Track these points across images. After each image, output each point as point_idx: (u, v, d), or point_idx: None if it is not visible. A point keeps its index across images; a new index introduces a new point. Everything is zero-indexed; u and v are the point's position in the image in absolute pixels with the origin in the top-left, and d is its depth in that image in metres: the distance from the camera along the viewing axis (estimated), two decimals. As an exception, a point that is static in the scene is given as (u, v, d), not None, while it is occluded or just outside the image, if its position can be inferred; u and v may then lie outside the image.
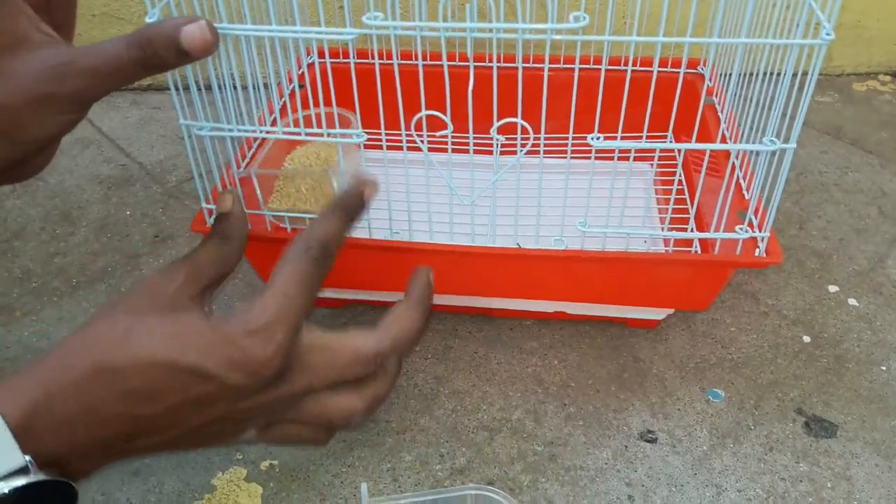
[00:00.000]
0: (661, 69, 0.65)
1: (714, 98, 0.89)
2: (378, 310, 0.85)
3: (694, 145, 0.63)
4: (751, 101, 0.71)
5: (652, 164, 0.91)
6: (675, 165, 0.90)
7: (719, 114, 0.85)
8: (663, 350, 0.80)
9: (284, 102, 0.86)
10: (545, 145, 0.64)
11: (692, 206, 0.72)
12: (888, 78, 1.29)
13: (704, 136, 0.81)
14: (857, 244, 0.94)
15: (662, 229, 0.79)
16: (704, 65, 0.94)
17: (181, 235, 0.97)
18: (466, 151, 0.65)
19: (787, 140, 0.63)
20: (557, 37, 0.57)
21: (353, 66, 0.60)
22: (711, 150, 0.71)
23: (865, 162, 1.09)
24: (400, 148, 0.65)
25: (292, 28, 0.58)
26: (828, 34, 0.56)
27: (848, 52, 1.28)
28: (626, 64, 0.62)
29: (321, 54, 0.97)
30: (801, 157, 1.10)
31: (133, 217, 1.01)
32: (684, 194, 0.84)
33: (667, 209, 0.73)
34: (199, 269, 0.48)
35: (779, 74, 0.61)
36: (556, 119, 0.64)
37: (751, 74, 0.74)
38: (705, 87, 0.89)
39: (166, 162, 1.12)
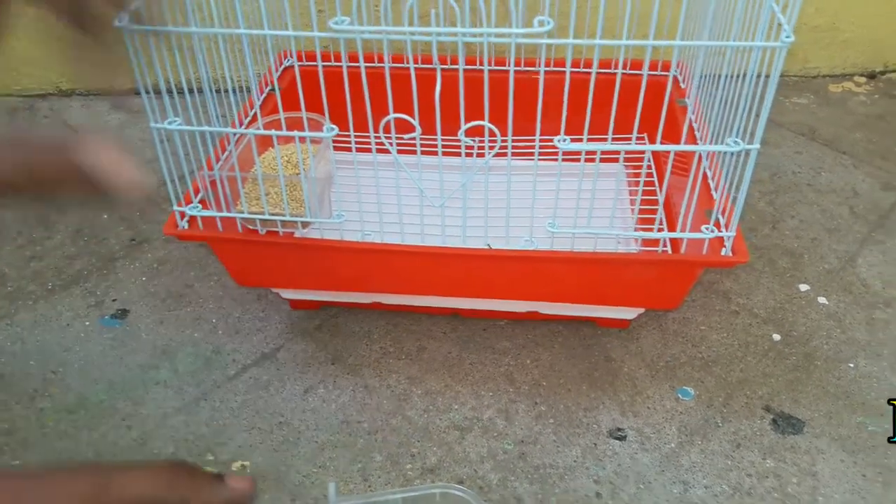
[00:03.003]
0: (634, 72, 0.65)
1: (686, 100, 0.90)
2: (351, 312, 0.86)
3: (658, 147, 0.63)
4: (725, 102, 0.72)
5: (626, 166, 0.93)
6: (652, 167, 0.91)
7: (690, 115, 0.86)
8: (635, 349, 0.81)
9: (261, 104, 0.87)
10: (516, 147, 0.65)
11: (661, 207, 0.73)
12: (863, 79, 1.31)
13: (675, 138, 0.82)
14: (828, 243, 0.95)
15: (635, 229, 0.80)
16: (678, 67, 0.94)
17: (157, 239, 0.97)
18: (436, 154, 0.66)
19: (752, 141, 0.63)
20: (522, 41, 0.57)
21: (320, 69, 0.61)
22: (684, 151, 0.72)
23: (839, 162, 1.11)
24: (370, 150, 0.66)
25: (259, 31, 0.59)
26: (787, 37, 0.57)
27: (823, 54, 1.29)
28: (588, 66, 0.63)
29: (300, 58, 0.98)
30: (775, 157, 1.11)
31: (110, 221, 1.01)
32: (657, 195, 0.85)
33: (642, 211, 0.73)
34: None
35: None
36: (531, 121, 0.65)
37: (723, 76, 0.74)
38: (666, 89, 0.90)
39: (146, 166, 1.11)
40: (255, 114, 0.84)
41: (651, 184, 0.88)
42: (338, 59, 0.97)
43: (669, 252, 0.74)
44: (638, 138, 0.67)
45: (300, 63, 0.97)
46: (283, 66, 0.97)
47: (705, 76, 0.84)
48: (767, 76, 0.60)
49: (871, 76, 1.31)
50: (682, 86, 0.92)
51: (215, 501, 0.44)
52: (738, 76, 0.68)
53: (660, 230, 0.75)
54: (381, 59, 0.88)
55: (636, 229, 0.78)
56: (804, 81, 1.31)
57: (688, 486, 0.68)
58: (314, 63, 0.96)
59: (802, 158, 1.11)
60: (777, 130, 1.17)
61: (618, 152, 0.65)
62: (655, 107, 0.67)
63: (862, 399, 0.76)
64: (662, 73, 0.95)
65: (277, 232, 0.70)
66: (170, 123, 0.66)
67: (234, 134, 0.74)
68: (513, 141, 0.64)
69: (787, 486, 0.68)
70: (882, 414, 0.74)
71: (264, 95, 0.90)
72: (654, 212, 0.84)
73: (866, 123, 1.19)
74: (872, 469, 0.69)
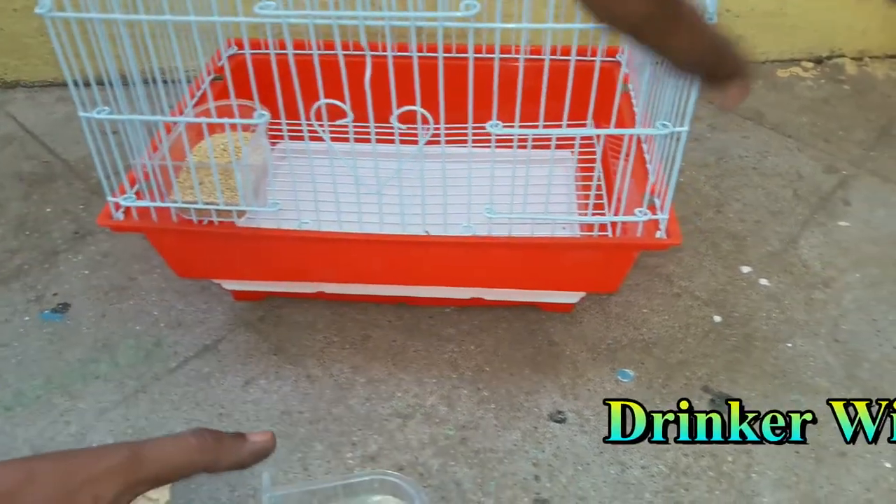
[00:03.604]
0: (564, 58, 0.65)
1: (630, 86, 0.90)
2: (296, 302, 0.85)
3: (589, 131, 0.64)
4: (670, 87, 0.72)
5: (573, 152, 0.93)
6: (598, 152, 0.92)
7: (633, 101, 0.87)
8: (577, 333, 0.82)
9: (204, 92, 0.86)
10: (452, 134, 0.65)
11: (594, 192, 0.73)
12: (810, 64, 1.32)
13: (620, 124, 0.82)
14: (771, 226, 0.97)
15: (588, 214, 0.80)
16: (622, 53, 0.95)
17: (101, 231, 0.96)
18: (370, 141, 0.65)
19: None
20: (449, 24, 0.57)
21: (248, 57, 0.60)
22: (629, 138, 0.73)
23: (784, 146, 1.12)
24: (302, 138, 0.65)
25: (184, 17, 0.58)
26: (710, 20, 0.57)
27: (770, 39, 1.30)
28: (536, 53, 0.63)
29: (249, 45, 0.97)
30: (722, 141, 1.12)
31: (54, 214, 0.99)
32: (601, 180, 0.85)
33: (584, 194, 0.74)
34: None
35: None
36: (475, 109, 0.64)
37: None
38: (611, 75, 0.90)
39: (90, 158, 1.09)
40: (199, 101, 0.83)
41: (576, 170, 0.89)
42: (283, 46, 0.96)
43: (612, 236, 0.75)
44: (583, 125, 0.68)
45: (248, 51, 0.95)
46: (228, 54, 0.96)
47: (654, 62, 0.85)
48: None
49: (818, 61, 1.33)
50: (626, 70, 0.93)
51: (242, 457, 0.47)
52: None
53: (595, 214, 0.76)
54: (328, 47, 0.88)
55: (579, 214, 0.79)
56: (753, 67, 1.32)
57: (625, 467, 0.69)
58: (261, 51, 0.95)
59: (749, 143, 1.13)
60: (725, 115, 1.18)
61: (572, 138, 0.66)
62: (601, 93, 0.67)
63: (798, 378, 0.77)
64: (608, 58, 0.95)
65: (213, 221, 0.70)
66: (98, 113, 0.65)
67: (165, 123, 0.73)
68: (451, 128, 0.64)
69: (722, 465, 0.69)
70: (817, 392, 0.76)
71: (206, 84, 0.89)
72: (600, 197, 0.84)
73: (812, 107, 1.21)
74: (805, 446, 0.71)
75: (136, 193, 0.71)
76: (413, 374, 0.78)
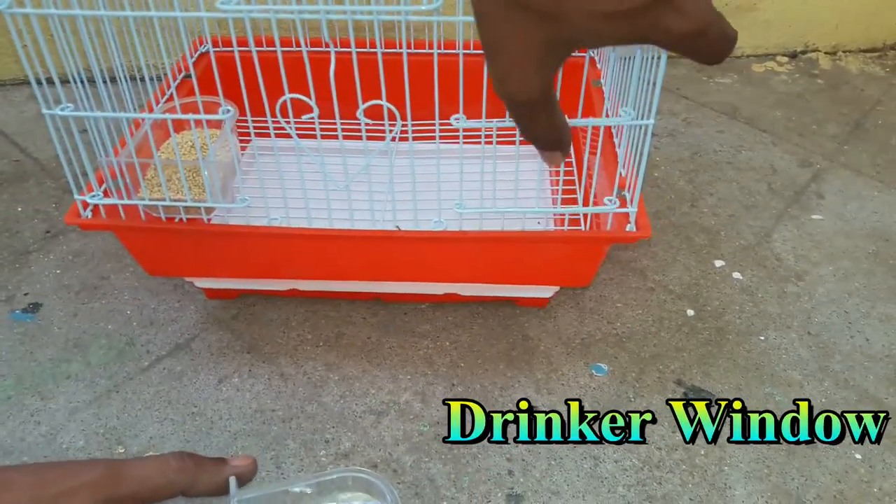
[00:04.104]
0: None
1: (602, 81, 0.90)
2: (269, 300, 0.85)
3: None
4: (640, 81, 0.72)
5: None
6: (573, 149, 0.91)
7: (605, 95, 0.87)
8: (552, 327, 0.82)
9: (175, 90, 0.85)
10: (421, 129, 0.65)
11: (561, 185, 0.73)
12: (785, 59, 1.33)
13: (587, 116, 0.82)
14: (745, 220, 0.97)
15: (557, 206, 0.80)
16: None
17: (73, 230, 0.95)
18: (337, 137, 0.65)
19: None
20: (412, 18, 0.57)
21: (212, 54, 0.60)
22: (598, 131, 0.73)
23: (759, 140, 1.12)
24: (269, 135, 0.65)
25: (146, 13, 0.57)
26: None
27: (745, 34, 1.31)
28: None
29: (215, 43, 0.97)
30: (697, 136, 1.13)
31: (25, 213, 0.98)
32: (573, 174, 0.85)
33: (557, 188, 0.74)
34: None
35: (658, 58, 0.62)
36: (445, 104, 0.64)
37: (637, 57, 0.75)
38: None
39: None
40: (169, 98, 0.83)
41: (570, 164, 0.89)
42: (258, 43, 0.96)
43: (584, 230, 0.75)
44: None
45: (211, 48, 0.95)
46: (198, 52, 0.95)
47: (623, 58, 0.85)
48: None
49: (793, 56, 1.34)
50: (599, 66, 0.93)
51: (221, 481, 0.46)
52: (652, 57, 0.69)
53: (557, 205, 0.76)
54: (298, 44, 0.87)
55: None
56: (729, 62, 1.32)
57: (598, 461, 0.69)
58: (229, 49, 0.94)
59: (724, 137, 1.13)
60: (700, 110, 1.18)
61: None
62: (575, 88, 0.67)
63: (771, 370, 0.77)
64: (579, 53, 0.95)
65: (182, 219, 0.69)
66: (62, 110, 0.64)
67: (133, 120, 0.72)
68: (419, 124, 0.63)
69: (695, 458, 0.69)
70: (789, 385, 0.76)
71: (177, 82, 0.88)
72: (574, 192, 0.84)
73: (786, 102, 1.21)
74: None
75: (104, 192, 0.71)
76: (387, 370, 0.78)
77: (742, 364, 0.78)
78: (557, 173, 0.88)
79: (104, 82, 0.67)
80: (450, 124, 0.63)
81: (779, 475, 0.68)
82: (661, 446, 0.70)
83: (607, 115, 0.80)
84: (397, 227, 0.71)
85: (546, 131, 0.35)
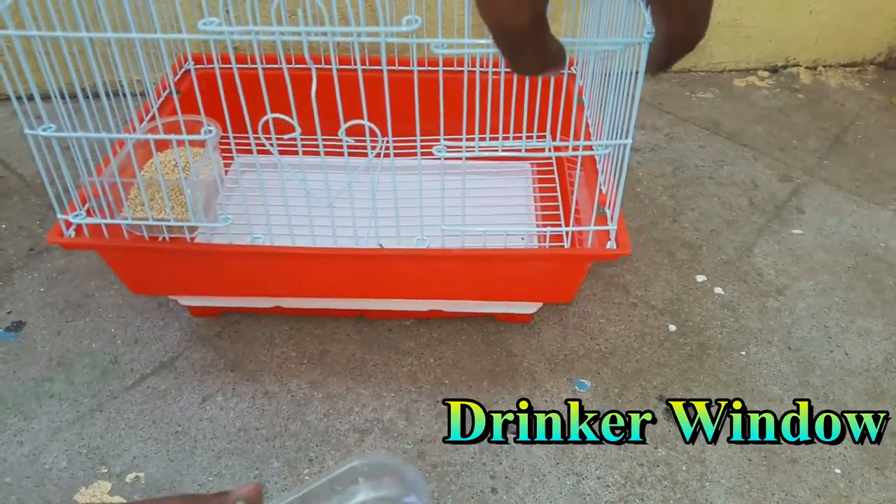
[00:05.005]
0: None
1: (585, 98, 0.91)
2: (253, 317, 0.85)
3: (535, 142, 0.64)
4: (619, 99, 0.73)
5: (532, 164, 0.93)
6: (556, 166, 0.92)
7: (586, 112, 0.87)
8: (535, 344, 0.82)
9: (158, 109, 0.86)
10: (403, 145, 0.65)
11: (537, 203, 0.74)
12: (766, 74, 1.34)
13: (574, 136, 0.83)
14: (727, 235, 0.98)
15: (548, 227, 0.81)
16: (576, 65, 0.96)
17: (58, 248, 0.95)
18: (318, 154, 0.65)
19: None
20: (392, 39, 0.58)
21: (192, 72, 0.60)
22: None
23: (740, 155, 1.14)
24: (260, 153, 0.65)
25: (127, 35, 0.58)
26: (648, 32, 0.58)
27: (727, 49, 1.33)
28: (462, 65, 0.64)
29: (199, 60, 0.97)
30: (679, 151, 1.14)
31: (9, 230, 0.98)
32: (556, 193, 0.86)
33: (542, 206, 0.74)
34: None
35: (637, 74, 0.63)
36: (426, 121, 0.65)
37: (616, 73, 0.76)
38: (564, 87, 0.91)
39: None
40: (153, 117, 0.83)
41: (553, 181, 0.90)
42: (240, 60, 0.96)
43: (566, 247, 0.76)
44: (541, 138, 0.68)
45: (193, 66, 0.95)
46: (182, 70, 0.96)
47: (604, 74, 0.86)
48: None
49: (774, 70, 1.35)
50: (580, 82, 0.94)
51: None
52: (634, 73, 0.69)
53: (548, 226, 0.76)
54: (267, 61, 0.88)
55: (538, 227, 0.79)
56: (711, 76, 1.34)
57: (581, 478, 0.69)
58: (211, 66, 0.95)
59: (706, 152, 1.14)
60: (682, 125, 1.19)
61: (531, 150, 0.66)
62: (557, 105, 0.67)
63: (752, 385, 0.78)
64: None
65: (165, 238, 0.69)
66: (45, 130, 0.64)
67: (117, 140, 0.72)
68: (400, 140, 0.64)
69: (676, 474, 0.70)
70: (770, 399, 0.77)
71: (161, 100, 0.88)
72: (557, 209, 0.85)
73: (767, 116, 1.23)
74: (757, 453, 0.72)
75: (87, 211, 0.71)
76: (371, 388, 0.78)
77: (723, 379, 0.79)
78: (543, 190, 0.88)
79: (87, 98, 0.67)
80: (432, 141, 0.64)
81: (759, 490, 0.69)
82: (643, 462, 0.71)
83: (587, 132, 0.81)
84: (380, 245, 0.72)
85: (535, 62, 0.33)
